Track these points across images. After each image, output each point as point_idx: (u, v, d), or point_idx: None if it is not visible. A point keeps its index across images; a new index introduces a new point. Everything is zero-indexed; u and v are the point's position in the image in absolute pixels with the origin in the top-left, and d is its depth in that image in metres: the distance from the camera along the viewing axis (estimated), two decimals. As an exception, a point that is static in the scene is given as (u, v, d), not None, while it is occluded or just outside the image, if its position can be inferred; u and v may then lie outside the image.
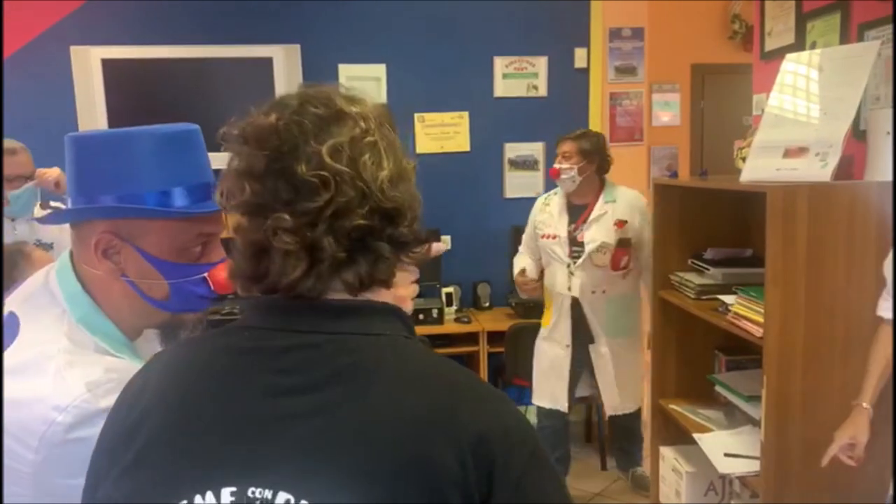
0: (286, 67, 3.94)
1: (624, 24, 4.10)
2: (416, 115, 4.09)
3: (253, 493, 0.69)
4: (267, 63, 3.94)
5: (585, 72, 4.12)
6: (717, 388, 2.70)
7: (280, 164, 0.73)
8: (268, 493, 0.68)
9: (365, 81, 4.04)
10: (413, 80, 4.09)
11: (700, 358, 2.89)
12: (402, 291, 1.04)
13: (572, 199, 3.25)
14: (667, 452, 2.87)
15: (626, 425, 3.50)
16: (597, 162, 3.16)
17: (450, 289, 3.99)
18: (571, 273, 3.20)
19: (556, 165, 3.18)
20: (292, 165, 0.72)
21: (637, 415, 3.46)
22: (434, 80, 4.10)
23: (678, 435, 2.79)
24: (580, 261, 3.16)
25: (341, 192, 0.71)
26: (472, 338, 3.86)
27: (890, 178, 2.08)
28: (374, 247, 0.74)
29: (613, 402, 3.32)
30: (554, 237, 3.27)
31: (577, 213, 3.23)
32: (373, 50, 4.05)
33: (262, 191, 0.73)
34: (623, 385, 3.31)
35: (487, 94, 4.12)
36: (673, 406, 2.82)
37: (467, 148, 4.13)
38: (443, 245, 1.05)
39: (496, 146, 4.16)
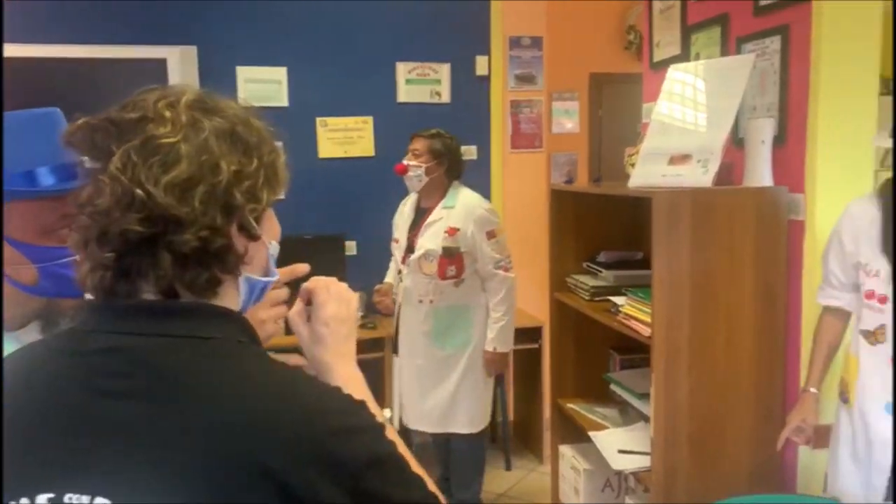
0: (181, 69, 3.81)
1: (523, 32, 4.19)
2: (319, 120, 4.04)
3: (70, 498, 0.68)
4: (161, 65, 3.80)
5: (487, 79, 4.18)
6: (612, 387, 2.79)
7: (95, 167, 0.74)
8: (84, 499, 0.67)
9: (265, 84, 3.96)
10: (315, 84, 4.03)
11: (596, 357, 2.98)
12: (261, 314, 0.98)
13: (421, 201, 3.17)
14: (566, 451, 2.93)
15: (461, 449, 3.21)
16: (447, 164, 3.08)
17: (355, 295, 3.95)
18: (401, 280, 3.17)
19: (405, 162, 3.10)
20: (101, 169, 0.73)
21: (478, 440, 3.21)
22: (337, 85, 4.06)
23: (576, 434, 2.86)
24: (407, 268, 3.11)
25: (112, 195, 0.71)
26: (378, 344, 3.83)
27: (764, 184, 2.21)
28: (155, 254, 0.73)
29: (422, 417, 3.15)
30: (397, 241, 3.23)
31: (421, 216, 3.15)
32: (273, 52, 3.97)
33: (84, 191, 0.75)
34: (447, 401, 3.11)
35: (391, 99, 4.11)
36: (571, 405, 2.89)
37: (372, 153, 4.11)
38: (302, 266, 1.00)
39: (401, 151, 4.14)
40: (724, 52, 2.48)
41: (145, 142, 0.72)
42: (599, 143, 5.41)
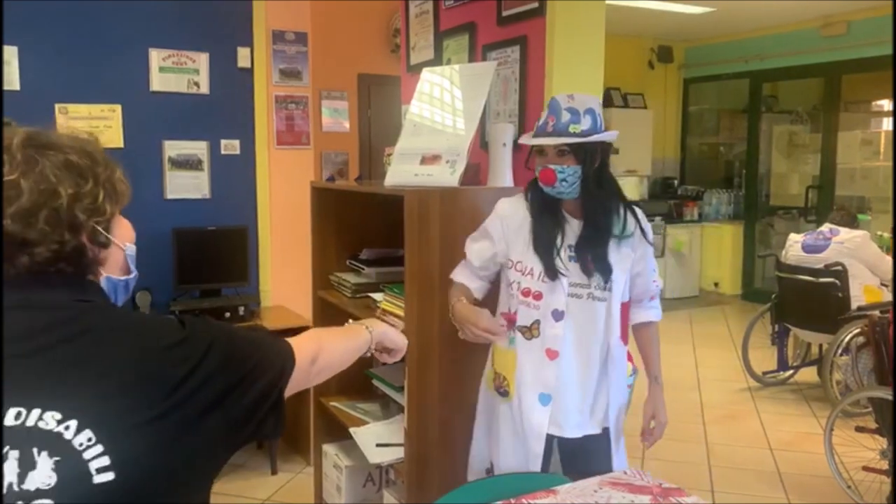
0: None
1: (287, 27, 4.10)
2: (58, 106, 3.64)
3: (38, 414, 0.89)
4: None
5: (250, 72, 4.04)
6: (374, 382, 2.82)
7: None
8: (43, 413, 0.89)
9: (-10, 64, 3.50)
10: (53, 67, 3.63)
11: (360, 354, 3.00)
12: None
13: None
14: (329, 449, 2.92)
15: None
16: None
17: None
18: None
19: None
20: None
21: None
22: (79, 69, 3.68)
23: (339, 431, 2.86)
24: None
25: None
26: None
27: (505, 184, 2.36)
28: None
29: None
30: None
31: None
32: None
33: None
34: None
35: (143, 87, 3.82)
36: (333, 403, 2.88)
37: (121, 144, 3.78)
38: None
39: (155, 144, 3.88)
40: (472, 58, 2.62)
41: None
42: (369, 143, 5.49)
